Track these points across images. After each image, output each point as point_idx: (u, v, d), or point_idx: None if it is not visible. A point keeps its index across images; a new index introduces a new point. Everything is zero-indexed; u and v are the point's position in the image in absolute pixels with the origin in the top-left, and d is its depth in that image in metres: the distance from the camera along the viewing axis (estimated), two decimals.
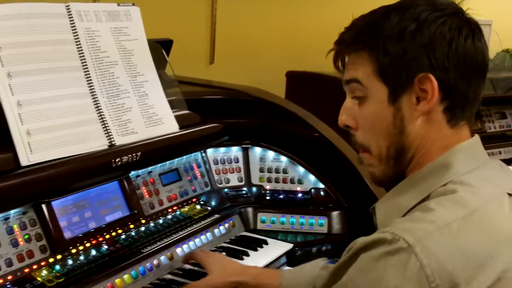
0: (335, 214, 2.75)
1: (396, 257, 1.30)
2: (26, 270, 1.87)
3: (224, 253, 2.38)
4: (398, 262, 1.30)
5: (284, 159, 2.86)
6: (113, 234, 2.16)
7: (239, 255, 2.40)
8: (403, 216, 1.46)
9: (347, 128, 1.58)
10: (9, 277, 1.82)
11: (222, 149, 2.84)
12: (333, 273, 1.47)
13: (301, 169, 2.85)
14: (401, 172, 1.54)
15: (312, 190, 2.82)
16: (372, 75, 1.49)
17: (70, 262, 1.97)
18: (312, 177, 2.83)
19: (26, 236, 1.90)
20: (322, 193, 2.81)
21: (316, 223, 2.73)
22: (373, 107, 1.51)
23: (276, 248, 2.52)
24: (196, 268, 2.27)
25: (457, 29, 1.47)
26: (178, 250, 2.31)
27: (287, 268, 2.11)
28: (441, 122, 1.50)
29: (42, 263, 1.91)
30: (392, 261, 1.30)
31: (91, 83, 2.13)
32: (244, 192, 2.82)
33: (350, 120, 1.56)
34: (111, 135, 2.13)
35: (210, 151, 2.80)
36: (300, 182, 2.85)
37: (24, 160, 1.86)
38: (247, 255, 2.42)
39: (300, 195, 2.83)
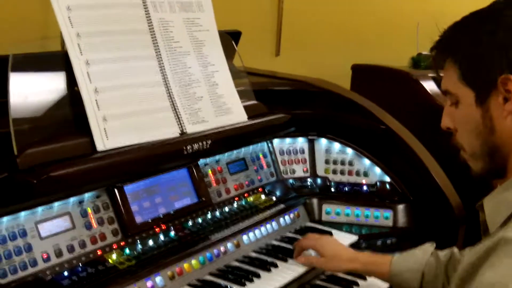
0: (400, 207, 2.73)
1: None
2: (99, 252, 1.93)
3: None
4: None
5: (349, 151, 2.85)
6: (182, 220, 2.21)
7: None
8: None
9: (448, 130, 1.70)
10: (83, 258, 1.88)
11: (288, 140, 2.86)
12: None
13: (367, 162, 2.83)
14: (500, 166, 1.60)
15: (378, 183, 2.80)
16: (458, 81, 1.60)
17: (140, 245, 2.02)
18: (378, 170, 2.82)
19: (99, 219, 1.96)
20: (387, 186, 2.79)
21: (381, 216, 2.72)
22: (464, 110, 1.61)
23: (341, 240, 2.51)
24: (262, 256, 2.29)
25: None
26: (245, 238, 2.34)
27: (396, 254, 2.12)
28: None
29: (114, 246, 1.97)
30: None
31: (164, 72, 2.18)
32: (309, 183, 2.83)
33: (449, 122, 1.69)
34: (183, 123, 2.18)
35: (276, 141, 2.81)
36: (365, 174, 2.84)
37: (100, 145, 1.92)
38: None
39: (365, 187, 2.82)
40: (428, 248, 2.10)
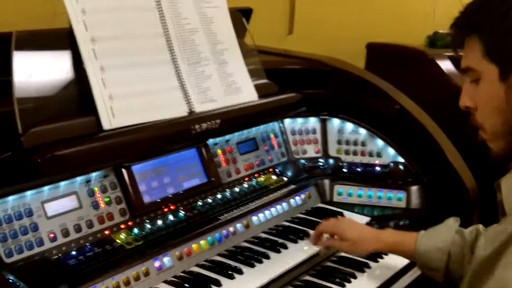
0: (414, 188, 2.68)
1: None
2: (106, 232, 1.91)
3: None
4: None
5: (363, 131, 2.81)
6: (191, 200, 2.18)
7: (315, 226, 2.37)
8: None
9: (467, 109, 1.67)
10: (90, 238, 1.86)
11: (299, 120, 2.82)
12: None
13: (380, 142, 2.79)
14: None
15: (391, 164, 2.76)
16: (482, 57, 1.58)
17: (148, 226, 2.00)
18: (391, 151, 2.77)
19: (107, 199, 1.94)
20: (401, 167, 2.75)
21: (394, 197, 2.68)
22: (486, 87, 1.59)
23: None
24: (272, 237, 2.27)
25: None
26: (254, 218, 2.31)
27: (422, 232, 2.09)
28: None
29: (122, 226, 1.95)
30: None
31: (173, 49, 2.15)
32: (321, 163, 2.79)
33: (469, 101, 1.66)
34: (191, 102, 2.14)
35: (287, 121, 2.78)
36: (378, 155, 2.79)
37: (106, 124, 1.89)
38: None
39: (378, 168, 2.77)
40: (452, 225, 2.07)
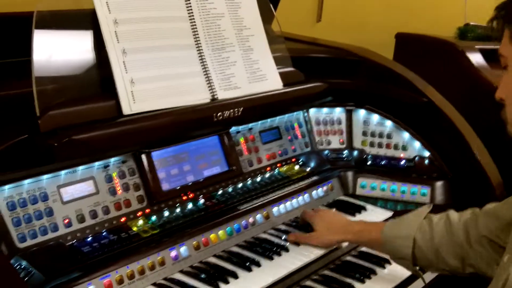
0: (439, 184, 2.62)
1: None
2: (123, 219, 1.88)
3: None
4: None
5: (388, 123, 2.75)
6: (210, 189, 2.15)
7: None
8: None
9: (502, 101, 1.61)
10: (106, 225, 1.83)
11: (325, 110, 2.76)
12: None
13: (406, 135, 2.73)
14: None
15: (416, 158, 2.69)
16: (509, 44, 1.55)
17: (166, 214, 1.97)
18: (417, 144, 2.71)
19: (124, 185, 1.91)
20: (426, 161, 2.68)
21: (418, 192, 2.62)
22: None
23: (374, 216, 2.43)
24: (292, 229, 2.23)
25: None
26: (275, 209, 2.27)
27: (390, 220, 2.06)
28: None
29: (139, 213, 1.92)
30: None
31: (197, 34, 2.10)
32: (344, 155, 2.74)
33: (503, 93, 1.60)
34: (214, 88, 2.10)
35: (312, 111, 2.73)
36: (404, 148, 2.73)
37: (127, 109, 1.85)
38: None
39: (403, 162, 2.71)
40: (422, 211, 2.03)
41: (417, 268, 1.99)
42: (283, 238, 2.16)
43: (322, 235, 2.13)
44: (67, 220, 1.75)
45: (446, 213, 1.98)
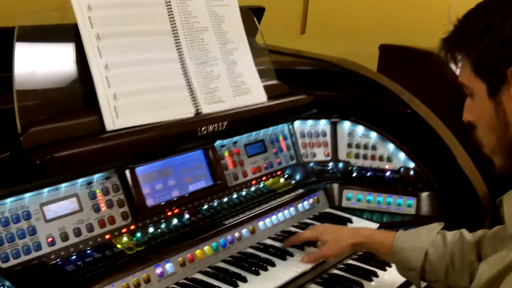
0: (424, 195, 2.62)
1: None
2: (107, 237, 1.85)
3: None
4: None
5: (373, 135, 2.75)
6: (196, 204, 2.13)
7: None
8: None
9: (470, 123, 1.64)
10: (90, 242, 1.81)
11: (309, 122, 2.76)
12: None
13: (391, 146, 2.73)
14: None
15: (402, 169, 2.70)
16: (471, 74, 1.55)
17: (151, 230, 1.95)
18: (402, 155, 2.71)
19: (108, 202, 1.88)
20: (412, 172, 2.68)
21: (404, 204, 2.62)
22: (479, 104, 1.56)
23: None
24: (278, 244, 2.21)
25: None
26: (260, 223, 2.26)
27: (401, 231, 2.06)
28: None
29: (123, 230, 1.90)
30: None
31: (180, 48, 2.09)
32: (330, 167, 2.73)
33: (470, 116, 1.62)
34: (198, 102, 2.08)
35: (297, 123, 2.72)
36: (389, 159, 2.73)
37: (110, 125, 1.83)
38: None
39: (388, 173, 2.71)
40: (434, 227, 2.04)
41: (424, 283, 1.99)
42: (271, 251, 2.15)
43: (335, 243, 2.12)
44: (50, 239, 1.72)
45: (460, 231, 1.98)
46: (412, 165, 2.69)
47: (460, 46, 1.57)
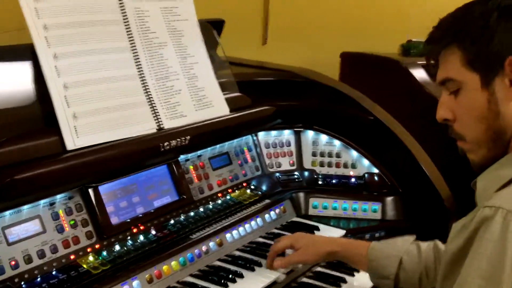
0: (389, 199, 2.66)
1: None
2: (72, 257, 1.83)
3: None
4: None
5: (337, 143, 2.77)
6: (161, 219, 2.12)
7: None
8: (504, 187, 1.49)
9: (446, 121, 1.65)
10: (54, 264, 1.79)
11: (273, 133, 2.77)
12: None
13: (354, 153, 2.76)
14: (501, 154, 1.57)
15: (366, 175, 2.73)
16: (462, 67, 1.57)
17: (117, 248, 1.93)
18: (366, 162, 2.74)
19: (72, 222, 1.87)
20: (376, 178, 2.72)
21: (369, 209, 2.64)
22: (468, 96, 1.58)
23: (328, 235, 2.43)
24: (246, 255, 2.21)
25: None
26: (228, 236, 2.25)
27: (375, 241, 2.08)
28: None
29: (88, 250, 1.88)
30: None
31: (140, 64, 2.08)
32: (296, 176, 2.75)
33: (448, 113, 1.63)
34: (160, 118, 2.08)
35: (261, 134, 2.73)
36: (353, 166, 2.76)
37: (70, 144, 1.82)
38: None
39: (353, 180, 2.74)
40: (409, 238, 2.06)
41: None
42: (239, 263, 2.14)
43: (308, 249, 2.11)
44: (13, 262, 1.70)
45: (434, 241, 2.01)
46: (376, 170, 2.73)
47: (454, 40, 1.58)
